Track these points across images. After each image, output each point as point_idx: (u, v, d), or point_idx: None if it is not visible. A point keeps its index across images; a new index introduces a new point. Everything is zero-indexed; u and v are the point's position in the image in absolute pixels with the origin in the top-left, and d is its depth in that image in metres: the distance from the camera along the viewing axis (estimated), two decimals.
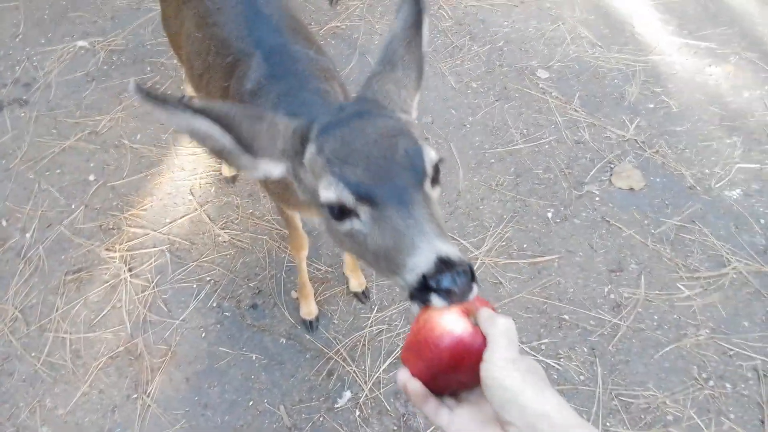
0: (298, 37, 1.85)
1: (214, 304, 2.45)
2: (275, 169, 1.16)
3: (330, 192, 1.01)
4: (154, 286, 2.50)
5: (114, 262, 2.57)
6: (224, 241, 2.66)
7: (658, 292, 2.48)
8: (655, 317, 2.41)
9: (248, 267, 2.58)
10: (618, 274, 2.55)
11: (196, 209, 2.76)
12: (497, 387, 0.79)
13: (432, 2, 3.64)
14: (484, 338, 0.85)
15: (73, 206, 2.77)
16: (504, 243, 2.64)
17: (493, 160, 2.94)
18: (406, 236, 0.94)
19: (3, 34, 3.50)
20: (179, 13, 2.08)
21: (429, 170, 1.04)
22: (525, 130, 3.06)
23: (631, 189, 2.82)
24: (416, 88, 1.23)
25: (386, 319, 2.41)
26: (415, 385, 0.89)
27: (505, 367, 0.80)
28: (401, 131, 1.07)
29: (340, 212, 1.03)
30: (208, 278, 2.53)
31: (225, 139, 1.08)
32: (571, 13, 3.54)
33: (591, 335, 2.36)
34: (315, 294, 2.42)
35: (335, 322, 2.41)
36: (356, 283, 2.45)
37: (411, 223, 0.95)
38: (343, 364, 2.28)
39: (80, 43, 3.48)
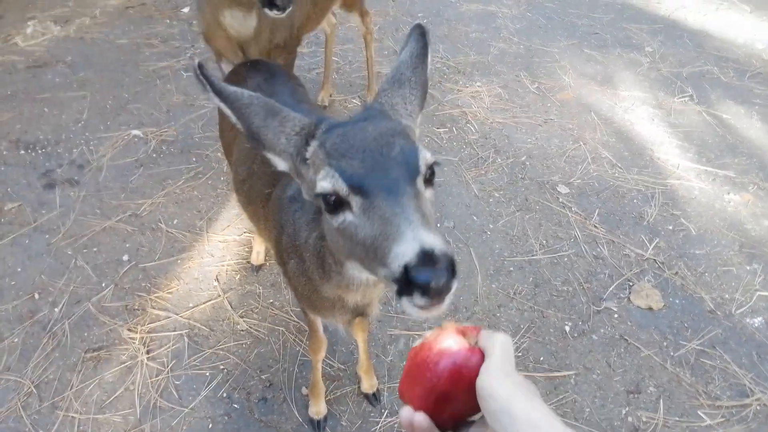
0: None
1: (225, 395, 2.45)
2: (280, 163, 1.27)
3: (326, 182, 1.08)
4: (168, 371, 2.52)
5: (133, 342, 2.62)
6: (242, 330, 2.70)
7: (677, 418, 2.40)
8: None
9: (262, 358, 2.60)
10: (636, 396, 2.49)
11: (219, 296, 2.85)
12: (490, 397, 0.79)
13: (460, 116, 3.89)
14: (481, 358, 0.86)
15: (103, 284, 2.88)
16: (520, 354, 2.62)
17: (512, 269, 2.99)
18: (393, 224, 0.97)
19: (68, 119, 3.84)
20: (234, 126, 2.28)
21: (423, 168, 1.09)
22: (544, 242, 3.13)
23: (650, 308, 2.81)
24: (420, 106, 1.33)
25: (396, 425, 2.37)
26: (420, 419, 0.86)
27: (498, 377, 0.80)
28: (400, 132, 1.14)
29: (335, 204, 1.08)
30: (222, 367, 2.55)
31: (238, 125, 1.22)
32: (593, 134, 3.73)
33: None
34: (325, 392, 2.41)
35: (343, 423, 2.38)
36: (368, 384, 2.44)
37: (398, 211, 0.98)
38: None
39: (135, 131, 3.78)
